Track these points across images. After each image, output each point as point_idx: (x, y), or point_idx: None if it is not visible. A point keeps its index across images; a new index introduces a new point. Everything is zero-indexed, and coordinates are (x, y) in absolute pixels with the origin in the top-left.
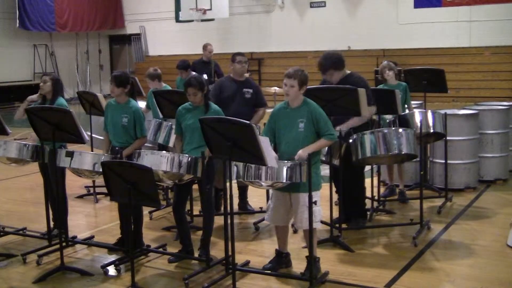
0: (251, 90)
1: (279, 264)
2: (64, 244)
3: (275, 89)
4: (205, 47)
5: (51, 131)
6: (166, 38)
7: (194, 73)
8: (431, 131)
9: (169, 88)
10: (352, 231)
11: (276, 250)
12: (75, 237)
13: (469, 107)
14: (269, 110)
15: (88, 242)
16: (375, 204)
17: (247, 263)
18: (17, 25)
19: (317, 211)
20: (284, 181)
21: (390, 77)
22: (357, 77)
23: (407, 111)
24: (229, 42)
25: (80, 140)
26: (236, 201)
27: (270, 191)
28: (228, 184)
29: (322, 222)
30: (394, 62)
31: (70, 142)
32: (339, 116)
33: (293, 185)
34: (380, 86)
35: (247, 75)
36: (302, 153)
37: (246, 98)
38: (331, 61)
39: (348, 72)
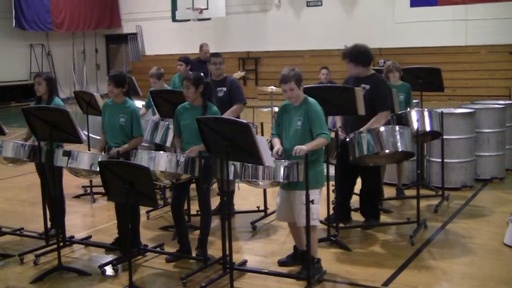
0: (224, 89)
1: (294, 260)
2: (61, 244)
3: (271, 88)
4: (201, 47)
5: (48, 130)
6: (162, 38)
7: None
8: (428, 130)
9: (169, 88)
10: (349, 230)
11: (294, 246)
12: (72, 237)
13: (466, 105)
14: (267, 109)
15: (86, 242)
16: None
17: (244, 262)
18: (13, 24)
19: (314, 209)
20: (281, 180)
21: (396, 77)
22: (375, 80)
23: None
24: (225, 41)
25: (77, 139)
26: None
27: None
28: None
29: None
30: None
31: (67, 141)
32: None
33: (293, 182)
34: None
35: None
36: (303, 146)
37: (219, 96)
38: (348, 50)
39: (372, 71)
